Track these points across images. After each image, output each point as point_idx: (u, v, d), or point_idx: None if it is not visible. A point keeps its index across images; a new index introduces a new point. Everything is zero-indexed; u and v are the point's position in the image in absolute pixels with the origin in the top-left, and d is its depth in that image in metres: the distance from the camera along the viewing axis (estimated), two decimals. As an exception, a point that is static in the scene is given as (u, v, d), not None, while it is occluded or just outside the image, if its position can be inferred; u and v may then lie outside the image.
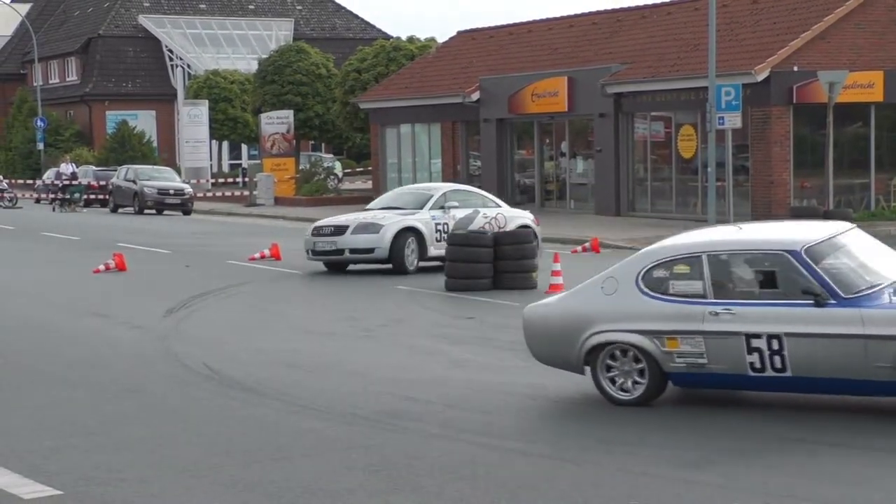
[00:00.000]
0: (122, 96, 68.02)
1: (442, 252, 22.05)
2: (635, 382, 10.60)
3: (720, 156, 32.37)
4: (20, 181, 56.53)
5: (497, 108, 40.00)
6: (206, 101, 57.27)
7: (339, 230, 21.99)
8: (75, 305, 18.45)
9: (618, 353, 10.66)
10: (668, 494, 7.92)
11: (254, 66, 59.01)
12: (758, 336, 10.04)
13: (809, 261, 10.09)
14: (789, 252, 10.15)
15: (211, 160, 61.35)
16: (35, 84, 66.08)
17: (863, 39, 33.53)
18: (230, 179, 57.08)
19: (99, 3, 73.16)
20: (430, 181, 42.62)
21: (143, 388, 11.79)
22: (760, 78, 31.91)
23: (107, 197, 45.92)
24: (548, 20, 44.60)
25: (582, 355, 10.80)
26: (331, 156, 59.30)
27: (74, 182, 45.49)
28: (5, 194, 47.76)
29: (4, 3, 74.95)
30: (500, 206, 23.68)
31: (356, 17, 75.34)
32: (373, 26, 74.51)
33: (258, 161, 52.77)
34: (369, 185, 48.05)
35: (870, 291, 9.98)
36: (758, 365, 10.09)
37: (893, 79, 33.15)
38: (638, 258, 10.93)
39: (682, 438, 9.43)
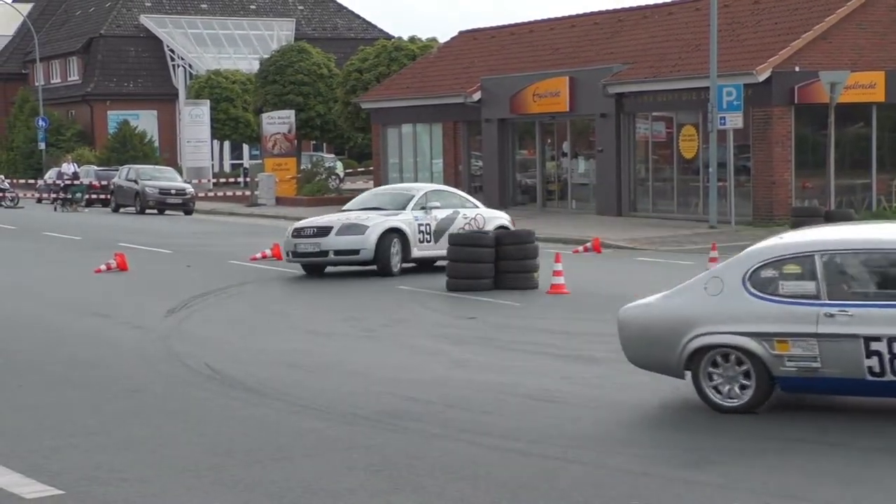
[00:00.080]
0: (124, 96, 68.04)
1: (425, 253, 22.10)
2: (742, 387, 10.17)
3: (722, 156, 32.40)
4: (22, 181, 56.56)
5: (498, 108, 40.00)
6: (208, 101, 57.29)
7: (323, 231, 21.51)
8: (76, 305, 18.46)
9: (721, 357, 10.23)
10: (668, 494, 7.93)
11: (255, 66, 59.03)
12: (878, 339, 9.64)
13: None
14: None
15: (212, 160, 61.37)
16: (37, 84, 66.12)
17: (864, 40, 33.52)
18: (231, 179, 57.10)
19: (100, 2, 73.17)
20: (432, 181, 42.63)
21: (144, 388, 11.79)
22: (762, 78, 31.91)
23: (108, 197, 45.94)
24: (549, 20, 44.61)
25: (683, 359, 10.37)
26: (332, 156, 59.30)
27: (76, 182, 45.52)
28: (7, 194, 47.78)
29: (6, 2, 74.94)
30: (478, 207, 23.54)
31: (357, 16, 75.35)
32: (374, 26, 74.50)
33: (259, 161, 52.80)
34: (371, 185, 47.99)
35: None
36: (877, 369, 9.68)
37: (895, 79, 33.14)
38: (745, 257, 10.42)
39: (682, 438, 9.44)
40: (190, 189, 44.45)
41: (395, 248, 21.63)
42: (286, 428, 9.97)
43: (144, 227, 35.66)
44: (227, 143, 66.38)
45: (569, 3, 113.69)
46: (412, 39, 51.74)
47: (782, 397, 10.55)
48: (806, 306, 9.93)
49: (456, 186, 42.48)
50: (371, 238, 21.36)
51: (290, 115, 50.51)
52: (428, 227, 22.12)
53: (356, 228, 21.47)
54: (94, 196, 47.09)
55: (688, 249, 27.77)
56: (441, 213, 22.37)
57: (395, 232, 21.69)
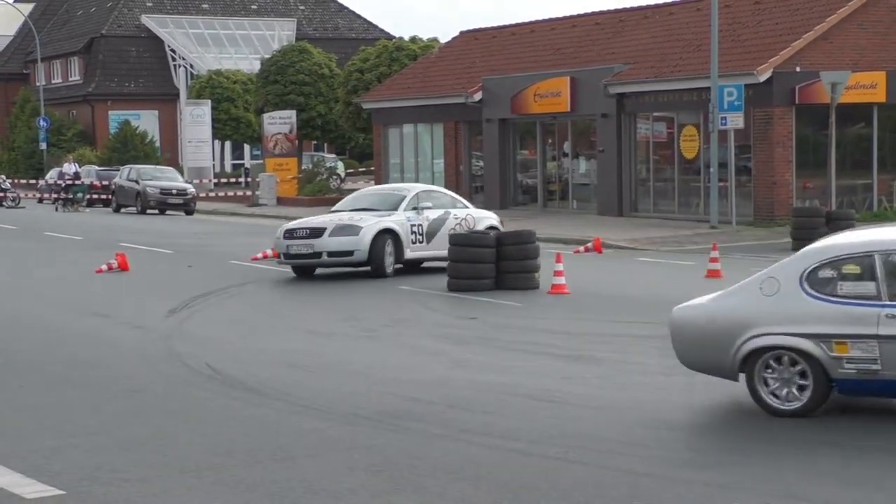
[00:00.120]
0: (125, 96, 68.06)
1: (417, 254, 21.90)
2: (800, 388, 9.96)
3: (722, 156, 32.40)
4: (23, 181, 56.56)
5: (500, 109, 40.00)
6: (209, 101, 57.31)
7: (316, 232, 21.16)
8: (77, 305, 18.46)
9: (776, 359, 10.01)
10: (669, 495, 7.93)
11: (256, 66, 59.05)
12: None
13: None
14: None
15: (213, 160, 61.39)
16: (38, 84, 66.12)
17: (865, 40, 33.52)
18: (233, 179, 57.11)
19: (102, 2, 73.19)
20: (433, 181, 42.61)
21: (145, 388, 11.80)
22: (763, 78, 31.91)
23: (109, 197, 45.95)
24: (550, 20, 44.61)
25: (737, 361, 10.14)
26: (333, 156, 59.32)
27: (77, 182, 45.55)
28: (8, 194, 47.80)
29: (7, 2, 74.96)
30: (467, 207, 23.42)
31: (359, 17, 75.36)
32: (375, 26, 74.51)
33: (261, 161, 52.84)
34: (372, 185, 48.04)
35: None
36: None
37: (896, 79, 33.16)
38: (801, 257, 10.22)
39: (683, 439, 9.43)
40: (191, 189, 44.46)
41: (389, 249, 21.37)
42: (287, 428, 9.97)
43: (145, 227, 35.67)
44: (228, 144, 66.39)
45: (570, 3, 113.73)
46: (413, 39, 51.75)
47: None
48: (866, 307, 9.73)
49: (457, 186, 42.56)
50: (365, 239, 21.07)
51: (291, 115, 50.52)
52: (420, 227, 21.93)
53: (350, 229, 21.15)
54: (95, 196, 47.11)
55: (689, 250, 27.77)
56: (433, 214, 22.20)
57: (389, 233, 21.42)
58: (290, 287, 20.79)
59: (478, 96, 40.73)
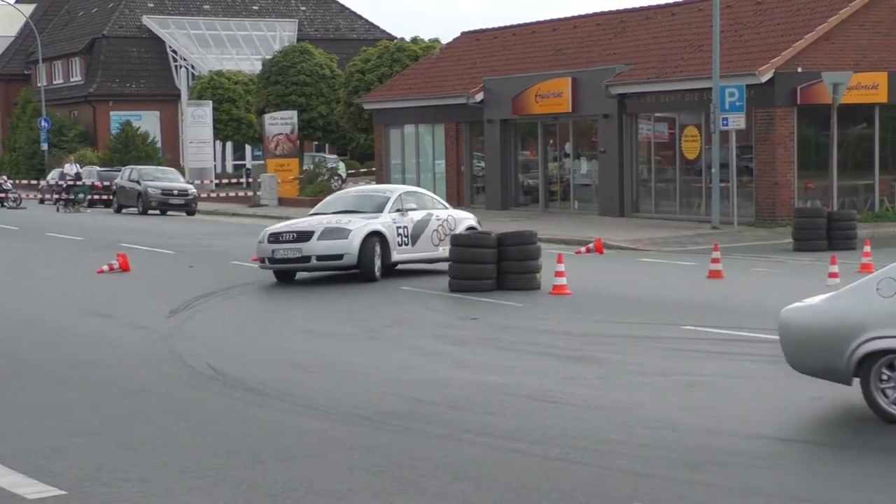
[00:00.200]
0: (126, 97, 68.11)
1: (403, 256, 21.58)
2: None
3: (724, 157, 32.40)
4: (24, 181, 56.61)
5: (501, 109, 40.01)
6: (210, 102, 57.34)
7: (304, 236, 20.65)
8: (79, 306, 18.47)
9: (888, 365, 9.54)
10: (671, 495, 7.92)
11: (257, 67, 59.10)
12: None
13: None
14: None
15: (215, 161, 61.43)
16: (39, 84, 66.18)
17: (867, 40, 33.52)
18: (234, 180, 57.14)
19: (103, 3, 73.23)
20: (434, 182, 42.67)
21: (146, 389, 11.79)
22: (764, 79, 31.91)
23: (111, 197, 45.99)
24: (552, 21, 44.62)
25: (851, 365, 9.66)
26: (334, 156, 59.37)
27: (78, 182, 45.57)
28: (9, 195, 47.83)
29: (9, 3, 75.00)
30: (447, 208, 23.18)
31: (360, 17, 75.37)
32: (376, 27, 74.52)
33: (262, 162, 52.88)
34: (373, 185, 48.05)
35: None
36: None
37: (898, 80, 33.16)
38: None
39: (685, 439, 9.43)
40: (192, 190, 44.49)
41: (378, 251, 20.93)
42: (288, 428, 9.97)
43: (147, 227, 35.68)
44: (229, 144, 66.43)
45: (571, 3, 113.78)
46: (414, 40, 51.77)
47: (786, 397, 10.54)
48: None
49: (458, 187, 42.61)
50: (355, 242, 20.59)
51: (292, 115, 50.54)
52: (405, 229, 21.57)
53: (339, 233, 20.67)
54: (96, 197, 47.14)
55: (690, 250, 27.77)
56: (417, 216, 21.88)
57: (377, 235, 20.99)
58: (291, 288, 20.78)
59: (479, 97, 40.75)
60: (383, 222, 21.26)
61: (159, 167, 49.39)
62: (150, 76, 68.94)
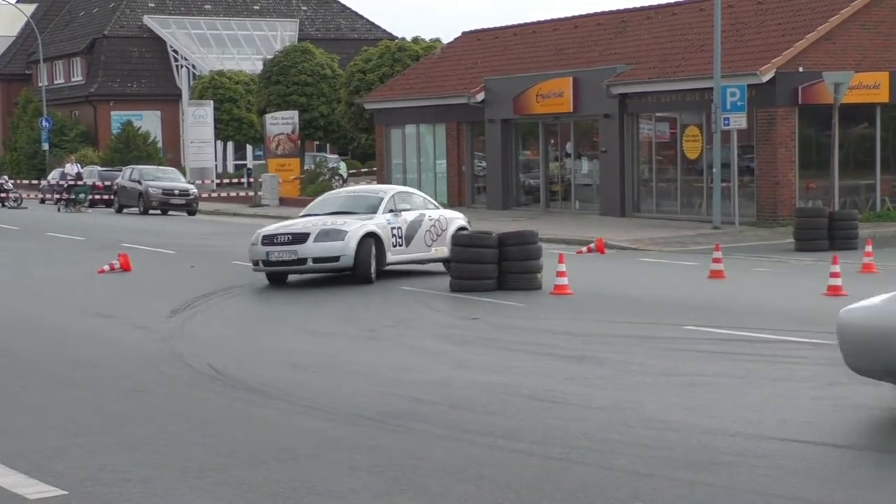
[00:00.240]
0: (127, 97, 68.14)
1: (398, 258, 21.30)
2: None
3: (725, 157, 32.41)
4: (25, 181, 56.62)
5: (502, 109, 40.00)
6: (211, 102, 57.36)
7: (300, 238, 20.28)
8: (80, 306, 18.47)
9: None
10: (672, 496, 7.91)
11: (258, 67, 59.11)
12: None
13: None
14: None
15: (216, 161, 61.44)
16: (40, 84, 66.19)
17: (868, 40, 33.51)
18: (235, 180, 57.14)
19: (104, 3, 73.25)
20: (436, 182, 42.68)
21: (147, 389, 11.79)
22: (766, 79, 31.91)
23: (112, 197, 46.00)
24: (553, 21, 44.63)
25: None
26: (336, 156, 59.38)
27: (79, 182, 45.59)
28: (10, 195, 47.84)
29: (10, 3, 75.01)
30: (438, 208, 22.94)
31: (361, 17, 75.38)
32: (378, 27, 74.54)
33: (263, 161, 52.89)
34: (375, 185, 48.05)
35: None
36: None
37: (899, 80, 33.15)
38: None
39: (686, 440, 9.42)
40: (193, 190, 44.50)
41: (373, 253, 20.58)
42: (289, 428, 9.96)
43: (148, 227, 35.68)
44: (230, 144, 66.44)
45: (572, 3, 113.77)
46: (415, 40, 51.78)
47: (786, 397, 10.52)
48: None
49: (459, 187, 42.61)
50: (351, 244, 20.25)
51: (293, 115, 50.55)
52: (399, 230, 21.28)
53: (336, 234, 20.33)
54: (97, 197, 47.15)
55: (691, 250, 27.77)
56: (410, 216, 21.62)
57: (372, 237, 20.65)
58: (292, 288, 20.78)
59: (480, 97, 40.75)
60: (378, 223, 20.94)
61: (160, 167, 49.41)
62: (151, 76, 68.96)
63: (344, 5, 75.77)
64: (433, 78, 44.76)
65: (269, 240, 20.49)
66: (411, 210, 21.88)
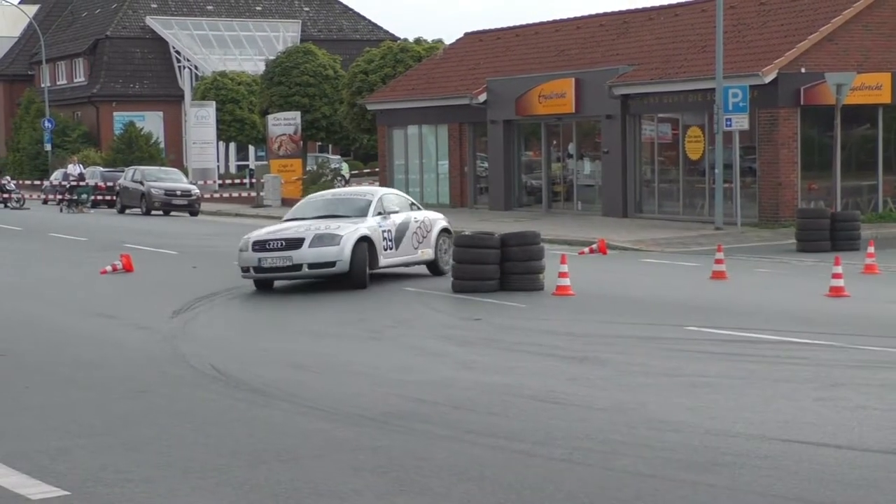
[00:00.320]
0: (130, 97, 68.17)
1: (390, 261, 21.01)
2: None
3: (727, 157, 32.39)
4: (27, 182, 56.64)
5: (504, 110, 40.01)
6: (214, 103, 57.38)
7: (294, 244, 19.76)
8: (82, 306, 18.48)
9: None
10: (674, 496, 7.91)
11: (261, 68, 59.15)
12: None
13: None
14: None
15: (218, 161, 61.44)
16: (43, 85, 66.24)
17: (870, 41, 33.50)
18: (237, 181, 57.17)
19: (106, 4, 73.29)
20: (438, 183, 42.69)
21: (149, 389, 11.80)
22: (768, 80, 31.90)
23: (114, 198, 46.02)
24: (555, 22, 44.63)
25: None
26: (338, 157, 59.40)
27: (82, 183, 45.59)
28: (13, 195, 47.86)
29: (12, 4, 75.04)
30: (420, 210, 22.69)
31: (363, 18, 75.42)
32: (380, 28, 74.56)
33: (265, 162, 52.88)
34: (376, 186, 48.04)
35: None
36: None
37: (901, 80, 33.13)
38: None
39: (688, 440, 9.42)
40: (195, 190, 44.51)
41: (367, 257, 20.16)
42: (292, 429, 9.97)
43: (150, 228, 35.69)
44: (232, 145, 66.48)
45: (575, 4, 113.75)
46: (418, 41, 51.79)
47: (787, 397, 10.51)
48: None
49: (461, 188, 42.63)
50: (346, 249, 19.78)
51: (295, 116, 50.56)
52: (389, 233, 20.94)
53: (330, 239, 19.84)
54: (99, 197, 47.16)
55: (693, 251, 27.76)
56: (398, 219, 21.34)
57: (365, 241, 20.24)
58: (294, 288, 20.78)
59: (482, 97, 40.75)
60: (370, 227, 20.53)
61: (163, 168, 49.42)
62: (154, 77, 68.99)
63: (346, 6, 75.79)
64: (435, 79, 44.76)
65: (260, 246, 19.95)
66: (399, 212, 21.60)
